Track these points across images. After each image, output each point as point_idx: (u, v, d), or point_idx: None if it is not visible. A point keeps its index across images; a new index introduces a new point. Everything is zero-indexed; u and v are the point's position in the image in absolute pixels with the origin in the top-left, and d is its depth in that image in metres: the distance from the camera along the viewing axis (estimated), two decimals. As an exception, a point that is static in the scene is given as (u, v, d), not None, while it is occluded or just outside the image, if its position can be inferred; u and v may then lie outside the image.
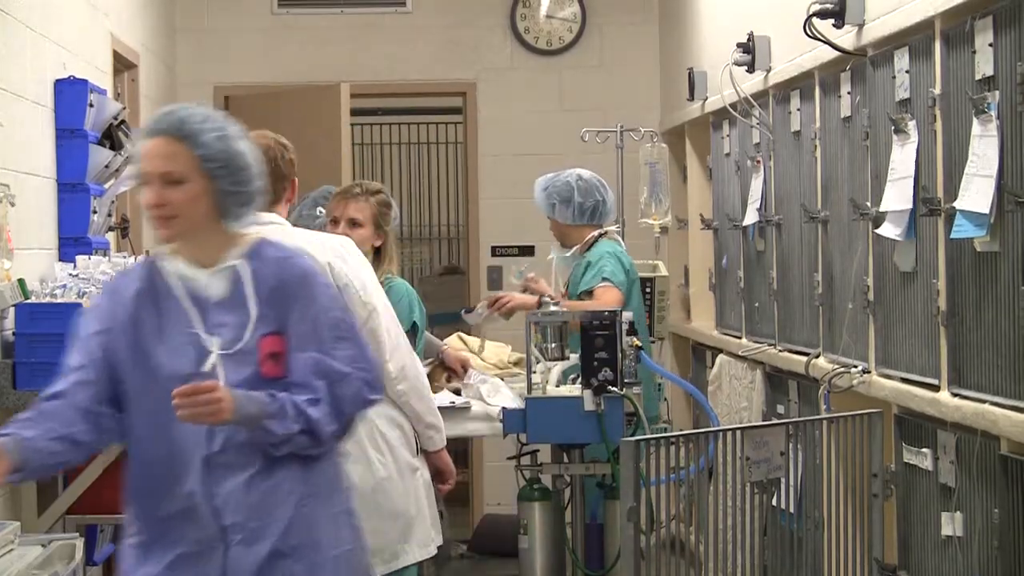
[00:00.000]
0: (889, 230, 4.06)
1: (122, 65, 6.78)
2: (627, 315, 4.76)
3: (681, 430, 5.43)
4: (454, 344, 5.76)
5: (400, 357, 4.23)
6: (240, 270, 3.16)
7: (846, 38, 4.48)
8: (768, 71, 5.49)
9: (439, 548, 4.41)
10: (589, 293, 5.47)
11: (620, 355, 4.65)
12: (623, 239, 7.01)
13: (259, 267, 3.17)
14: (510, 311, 5.57)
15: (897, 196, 4.02)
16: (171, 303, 3.15)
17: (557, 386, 4.84)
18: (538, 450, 5.06)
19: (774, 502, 4.05)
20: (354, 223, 4.82)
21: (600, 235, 5.68)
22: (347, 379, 3.16)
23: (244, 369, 3.12)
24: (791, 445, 3.86)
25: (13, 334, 4.60)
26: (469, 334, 6.13)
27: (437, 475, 4.44)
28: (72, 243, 5.37)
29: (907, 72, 4.01)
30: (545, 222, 5.84)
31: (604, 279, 5.46)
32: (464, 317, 5.84)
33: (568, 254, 5.73)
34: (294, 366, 3.13)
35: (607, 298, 5.39)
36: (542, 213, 5.79)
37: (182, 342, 3.12)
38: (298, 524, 3.12)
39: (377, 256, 4.82)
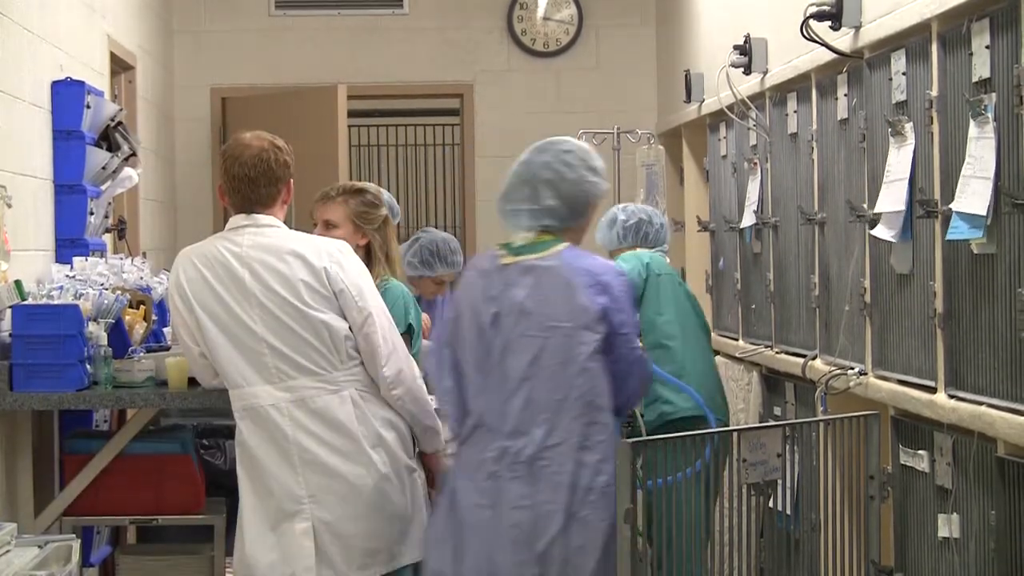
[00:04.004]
0: (883, 232, 4.06)
1: (119, 67, 6.78)
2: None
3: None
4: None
5: (396, 362, 4.23)
6: None
7: (843, 40, 4.48)
8: (765, 73, 5.49)
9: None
10: None
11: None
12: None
13: None
14: None
15: (890, 197, 4.03)
16: None
17: (554, 388, 4.83)
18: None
19: (771, 504, 4.05)
20: (329, 224, 4.80)
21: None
22: None
23: None
24: (788, 447, 3.86)
25: (10, 335, 4.59)
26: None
27: (430, 478, 4.44)
28: (69, 244, 5.37)
29: (904, 74, 4.02)
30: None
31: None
32: None
33: None
34: None
35: None
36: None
37: None
38: None
39: (367, 256, 4.77)
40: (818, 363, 4.78)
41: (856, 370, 4.40)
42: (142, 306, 5.12)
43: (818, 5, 4.47)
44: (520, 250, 3.88)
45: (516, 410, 3.81)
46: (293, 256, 4.18)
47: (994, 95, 3.41)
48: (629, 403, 3.99)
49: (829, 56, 4.59)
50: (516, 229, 3.92)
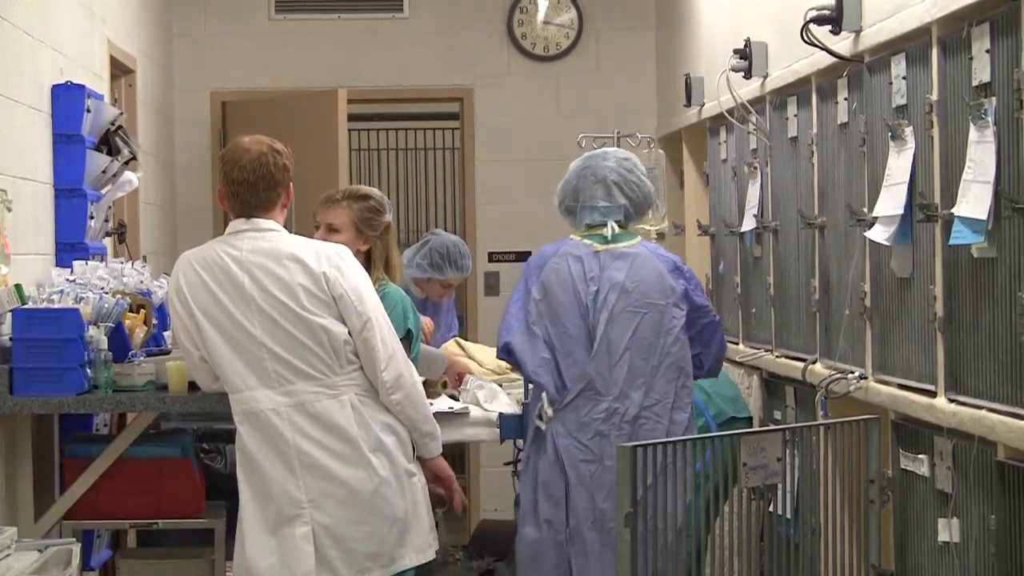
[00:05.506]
0: (879, 233, 4.06)
1: (119, 71, 6.78)
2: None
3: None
4: (451, 349, 5.76)
5: (395, 367, 4.22)
6: None
7: (843, 44, 4.48)
8: (765, 77, 5.49)
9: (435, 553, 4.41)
10: None
11: (617, 361, 4.65)
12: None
13: None
14: None
15: (890, 201, 4.03)
16: None
17: (554, 392, 4.83)
18: (535, 456, 5.05)
19: (771, 508, 4.05)
20: (331, 228, 4.80)
21: None
22: None
23: None
24: (788, 451, 3.86)
25: (10, 339, 4.59)
26: (466, 339, 6.13)
27: (436, 481, 4.44)
28: (69, 248, 5.36)
29: (904, 78, 4.02)
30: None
31: None
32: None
33: None
34: None
35: None
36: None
37: None
38: None
39: (368, 261, 4.77)
40: (818, 367, 4.78)
41: (856, 374, 4.40)
42: (142, 310, 5.12)
43: (818, 9, 4.47)
44: (610, 239, 4.65)
45: (622, 376, 4.55)
46: (292, 261, 4.18)
47: (994, 99, 3.41)
48: (718, 359, 4.78)
49: (829, 60, 4.60)
50: (581, 223, 4.70)
